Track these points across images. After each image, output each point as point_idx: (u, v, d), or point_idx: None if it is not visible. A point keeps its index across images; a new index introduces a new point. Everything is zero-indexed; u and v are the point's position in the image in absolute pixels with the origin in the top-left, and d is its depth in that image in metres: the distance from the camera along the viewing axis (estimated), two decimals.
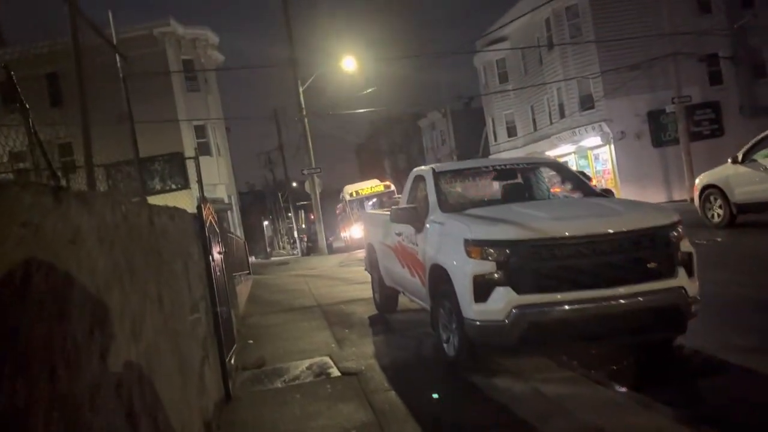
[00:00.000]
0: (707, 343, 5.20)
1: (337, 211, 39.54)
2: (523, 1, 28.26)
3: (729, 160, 12.25)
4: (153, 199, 9.33)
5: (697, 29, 23.90)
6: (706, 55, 24.98)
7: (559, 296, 4.52)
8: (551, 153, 29.84)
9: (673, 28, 22.52)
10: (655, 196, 23.84)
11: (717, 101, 26.72)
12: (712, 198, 12.64)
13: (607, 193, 6.20)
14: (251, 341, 7.66)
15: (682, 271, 4.77)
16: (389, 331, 7.23)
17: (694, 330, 4.93)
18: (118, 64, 6.76)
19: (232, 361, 5.68)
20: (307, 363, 6.17)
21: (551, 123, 31.36)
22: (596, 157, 29.37)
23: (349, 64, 25.05)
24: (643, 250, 4.67)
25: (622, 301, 4.52)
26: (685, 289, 4.70)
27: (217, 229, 6.19)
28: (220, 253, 6.11)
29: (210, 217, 5.74)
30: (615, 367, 5.01)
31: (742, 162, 11.77)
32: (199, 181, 9.38)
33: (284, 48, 25.61)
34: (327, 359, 6.19)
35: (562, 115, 29.70)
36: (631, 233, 4.63)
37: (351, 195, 31.00)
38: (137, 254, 2.58)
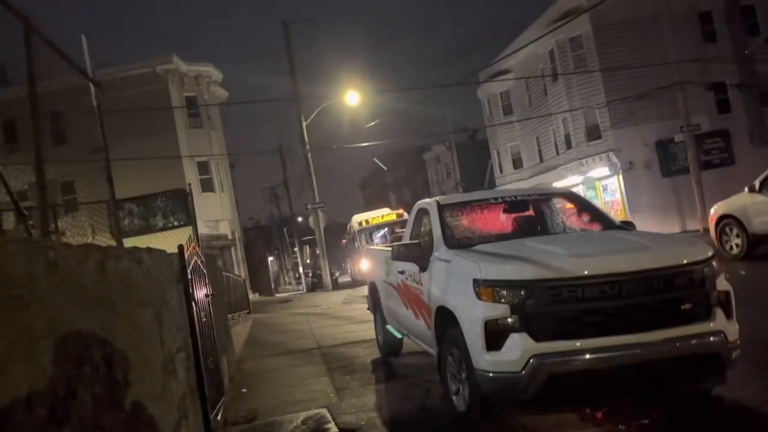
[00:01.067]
0: (748, 393, 4.63)
1: (343, 243, 38.47)
2: (526, 33, 28.17)
3: (746, 189, 11.85)
4: (155, 237, 8.91)
5: (703, 57, 23.66)
6: (713, 84, 24.64)
7: (582, 343, 3.98)
8: (558, 184, 29.37)
9: (678, 57, 22.26)
10: (666, 226, 23.23)
11: (726, 129, 26.31)
12: (728, 228, 12.16)
13: (628, 225, 5.69)
14: (245, 389, 7.11)
15: (719, 313, 4.23)
16: (393, 378, 6.66)
17: (731, 378, 4.38)
18: (92, 93, 6.35)
19: (219, 417, 5.12)
20: (302, 416, 5.62)
21: (558, 154, 30.98)
22: (604, 188, 28.88)
23: (352, 98, 24.89)
24: (676, 290, 4.14)
25: (653, 348, 3.98)
26: (724, 334, 4.16)
27: (204, 270, 5.69)
28: (207, 296, 5.61)
29: (195, 257, 5.26)
30: (645, 422, 4.43)
31: (760, 191, 11.41)
32: (193, 218, 8.94)
33: (288, 82, 25.49)
34: (324, 412, 5.64)
35: (569, 146, 29.33)
36: (662, 271, 4.11)
37: (360, 224, 28.31)
38: (71, 310, 2.09)
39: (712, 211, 12.84)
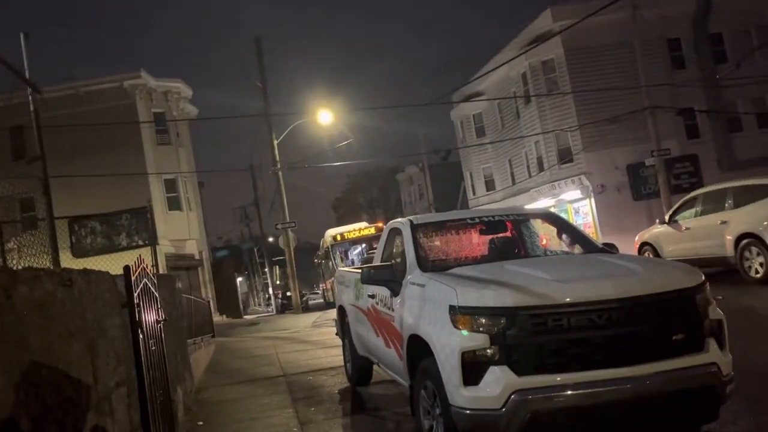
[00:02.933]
0: (739, 430, 4.32)
1: (316, 262, 35.64)
2: (499, 56, 28.29)
3: (657, 221, 14.00)
4: (120, 257, 8.35)
5: (673, 82, 24.00)
6: (682, 109, 24.96)
7: (567, 378, 3.63)
8: (531, 206, 29.35)
9: (648, 82, 22.50)
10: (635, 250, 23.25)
11: (695, 154, 26.61)
12: (647, 254, 13.71)
13: (610, 248, 5.39)
14: (201, 422, 6.58)
15: (712, 344, 3.93)
16: (361, 410, 6.22)
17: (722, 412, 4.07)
18: (29, 97, 5.88)
19: None
20: None
21: (530, 176, 31.02)
22: (576, 211, 28.92)
23: (325, 117, 24.55)
24: (668, 319, 3.83)
25: (644, 383, 3.64)
26: (718, 366, 3.85)
27: (156, 293, 5.21)
28: (158, 322, 5.13)
29: (145, 279, 4.79)
30: None
31: (669, 222, 13.00)
32: (153, 236, 8.44)
33: (260, 101, 25.08)
34: None
35: (541, 169, 29.39)
36: (653, 297, 3.79)
37: (334, 239, 25.77)
38: None
39: (637, 238, 14.52)
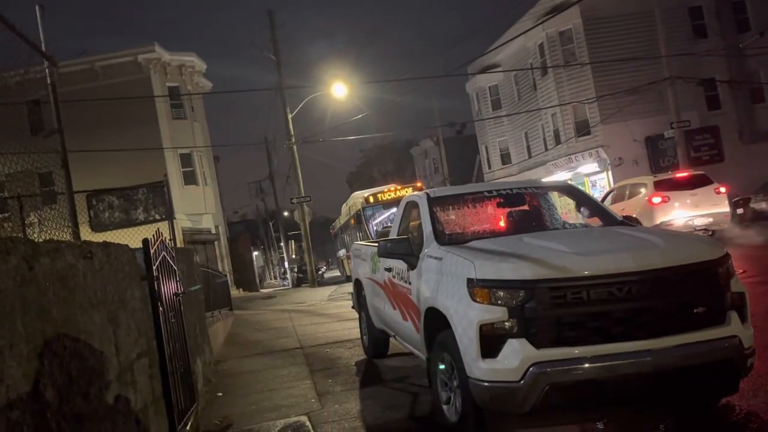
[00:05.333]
0: (761, 402, 4.29)
1: (332, 232, 34.13)
2: (516, 26, 27.81)
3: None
4: (137, 231, 8.43)
5: (694, 52, 23.48)
6: (703, 80, 24.43)
7: (586, 351, 3.62)
8: (547, 180, 29.10)
9: (669, 52, 22.02)
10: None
11: (716, 126, 26.16)
12: None
13: (630, 221, 5.32)
14: (221, 393, 6.68)
15: (734, 316, 3.88)
16: (378, 382, 6.26)
17: (742, 385, 4.05)
18: (46, 70, 5.87)
19: (189, 426, 4.70)
20: (280, 425, 5.22)
21: (546, 149, 30.71)
22: (593, 184, 28.63)
23: (339, 90, 24.37)
24: (689, 292, 3.78)
25: (664, 355, 3.62)
26: (739, 339, 3.80)
27: (174, 266, 5.26)
28: (177, 295, 5.18)
29: (164, 252, 4.83)
30: None
31: None
32: (170, 210, 8.48)
33: (274, 74, 24.97)
34: (305, 419, 5.24)
35: (558, 142, 29.06)
36: (674, 270, 3.74)
37: (366, 201, 21.29)
38: None
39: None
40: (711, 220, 15.09)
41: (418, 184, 21.25)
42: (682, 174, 16.71)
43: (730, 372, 3.87)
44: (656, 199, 15.18)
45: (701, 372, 3.77)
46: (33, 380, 2.07)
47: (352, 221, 23.45)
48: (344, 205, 26.47)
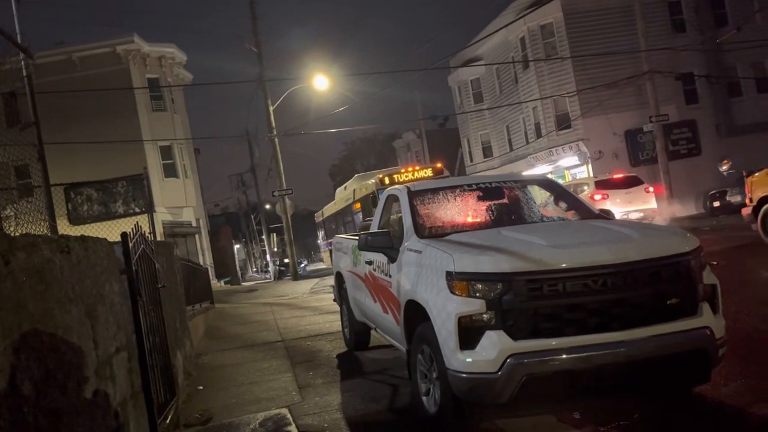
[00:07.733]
0: (730, 391, 4.40)
1: (317, 220, 32.14)
2: (497, 20, 27.90)
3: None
4: (116, 224, 8.33)
5: (672, 47, 23.76)
6: (681, 74, 24.75)
7: (562, 342, 3.68)
8: (528, 173, 29.31)
9: (648, 46, 22.27)
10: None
11: (693, 120, 26.52)
12: None
13: (606, 214, 5.40)
14: (201, 387, 6.67)
15: (706, 308, 3.97)
16: (359, 374, 6.30)
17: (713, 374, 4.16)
18: (22, 62, 5.80)
19: (168, 420, 4.70)
20: (261, 417, 5.23)
21: (527, 143, 30.91)
22: (574, 177, 28.91)
23: (321, 82, 24.30)
24: (663, 283, 3.86)
25: (638, 346, 3.69)
26: (711, 330, 3.89)
27: (154, 260, 5.24)
28: (156, 288, 5.16)
29: (143, 246, 4.81)
30: (625, 423, 4.16)
31: None
32: (149, 203, 8.41)
33: (255, 66, 24.79)
34: (285, 412, 5.26)
35: (539, 135, 29.26)
36: (648, 263, 3.81)
37: (381, 183, 17.81)
38: None
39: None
40: (642, 214, 17.98)
41: (438, 166, 18.73)
42: (618, 175, 19.33)
43: (702, 362, 3.96)
44: (597, 197, 17.82)
45: (674, 362, 3.85)
46: (9, 375, 2.06)
47: (357, 206, 20.29)
48: (340, 188, 24.05)
